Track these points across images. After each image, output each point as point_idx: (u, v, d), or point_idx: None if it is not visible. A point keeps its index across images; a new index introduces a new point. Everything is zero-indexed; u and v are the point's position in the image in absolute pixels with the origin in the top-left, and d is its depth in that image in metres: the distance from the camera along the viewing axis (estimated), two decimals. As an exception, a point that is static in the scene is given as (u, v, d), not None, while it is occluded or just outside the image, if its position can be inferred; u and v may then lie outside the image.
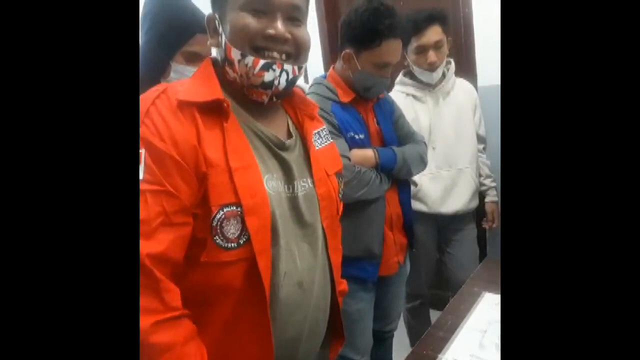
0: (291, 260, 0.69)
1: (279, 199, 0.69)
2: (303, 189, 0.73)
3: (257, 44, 0.66)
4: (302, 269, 0.70)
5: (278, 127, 0.75)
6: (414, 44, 1.44)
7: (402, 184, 1.27)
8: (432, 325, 1.05)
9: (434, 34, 1.43)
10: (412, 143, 1.28)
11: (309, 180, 0.75)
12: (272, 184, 0.68)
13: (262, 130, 0.71)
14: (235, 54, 0.67)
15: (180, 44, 0.97)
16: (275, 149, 0.71)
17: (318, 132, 0.82)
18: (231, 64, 0.68)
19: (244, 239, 0.64)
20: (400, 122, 1.31)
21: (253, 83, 0.68)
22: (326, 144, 0.83)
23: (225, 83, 0.70)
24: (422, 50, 1.45)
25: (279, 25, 0.66)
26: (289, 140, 0.74)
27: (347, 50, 1.14)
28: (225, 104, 0.66)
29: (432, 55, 1.44)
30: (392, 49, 1.11)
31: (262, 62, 0.66)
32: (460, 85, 1.59)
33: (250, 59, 0.66)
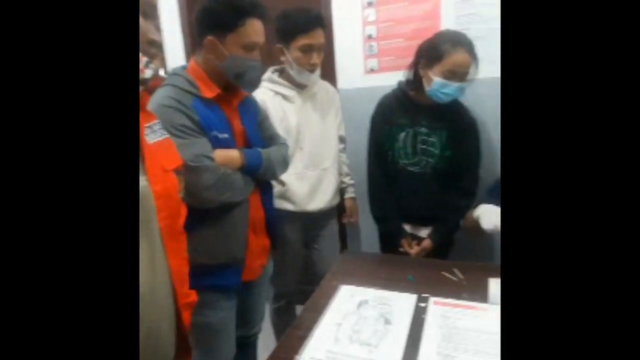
0: None
1: None
2: None
3: None
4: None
5: None
6: (300, 41, 1.41)
7: (264, 186, 1.24)
8: (291, 326, 1.05)
9: (320, 36, 1.44)
10: (276, 145, 1.27)
11: (143, 177, 0.68)
12: None
13: None
14: None
15: None
16: None
17: (150, 126, 0.75)
18: None
19: None
20: (265, 124, 1.29)
21: None
22: (160, 138, 0.77)
23: None
24: (308, 50, 1.43)
25: None
26: None
27: (210, 37, 1.06)
28: None
29: (315, 57, 1.45)
30: (257, 28, 1.07)
31: None
32: (325, 87, 1.64)
33: None
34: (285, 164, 1.27)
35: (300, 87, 1.53)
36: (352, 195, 1.77)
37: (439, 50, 1.33)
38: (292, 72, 1.48)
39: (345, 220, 1.79)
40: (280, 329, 1.75)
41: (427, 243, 1.50)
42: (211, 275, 1.10)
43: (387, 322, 1.01)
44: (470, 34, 1.38)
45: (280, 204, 1.52)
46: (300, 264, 1.69)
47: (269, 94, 1.50)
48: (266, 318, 1.51)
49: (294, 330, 1.02)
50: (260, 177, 1.17)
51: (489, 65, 1.39)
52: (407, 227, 1.57)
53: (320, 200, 1.58)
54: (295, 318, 1.70)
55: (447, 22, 1.60)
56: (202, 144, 1.04)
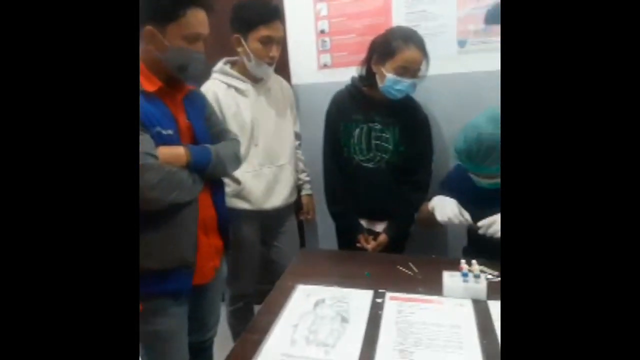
0: None
1: None
2: None
3: None
4: None
5: None
6: (261, 32, 1.36)
7: (215, 184, 1.19)
8: (246, 329, 1.01)
9: (280, 28, 1.40)
10: (226, 141, 1.22)
11: None
12: None
13: None
14: None
15: None
16: None
17: None
18: None
19: None
20: (213, 119, 1.23)
21: None
22: None
23: None
24: (268, 42, 1.38)
25: None
26: None
27: (148, 27, 1.00)
28: None
29: (275, 49, 1.40)
30: (200, 18, 1.02)
31: None
32: (279, 82, 1.60)
33: None
34: (236, 160, 1.22)
35: (254, 80, 1.48)
36: (309, 192, 1.75)
37: (391, 47, 1.33)
38: (250, 65, 1.43)
39: (302, 218, 1.77)
40: (238, 331, 1.70)
41: (383, 237, 1.51)
42: (160, 281, 1.04)
43: (344, 320, 1.00)
44: (420, 31, 1.39)
45: (235, 203, 1.48)
46: (259, 263, 1.65)
47: (222, 87, 1.44)
48: (223, 321, 1.46)
49: (248, 334, 0.99)
50: (210, 175, 1.12)
51: (438, 61, 1.42)
52: (364, 222, 1.58)
53: (277, 197, 1.55)
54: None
55: (398, 19, 1.62)
56: (143, 141, 0.97)
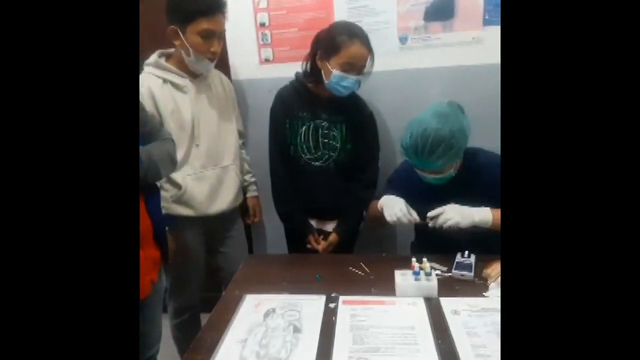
0: None
1: None
2: None
3: None
4: None
5: None
6: (201, 25, 1.25)
7: (148, 190, 1.08)
8: (189, 349, 0.93)
9: (222, 22, 1.30)
10: (159, 141, 1.11)
11: None
12: None
13: None
14: None
15: None
16: None
17: None
18: None
19: None
20: (142, 117, 1.12)
21: None
22: None
23: None
24: (209, 36, 1.28)
25: None
26: None
27: None
28: None
29: (217, 44, 1.30)
30: None
31: None
32: (219, 77, 1.50)
33: None
34: (172, 162, 1.12)
35: (193, 75, 1.37)
36: (255, 193, 1.67)
37: (335, 42, 1.29)
38: (188, 59, 1.32)
39: (249, 221, 1.69)
40: (184, 346, 1.59)
41: (333, 237, 1.48)
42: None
43: (297, 330, 0.95)
44: (362, 26, 1.37)
45: (176, 209, 1.37)
46: (203, 272, 1.55)
47: (157, 82, 1.32)
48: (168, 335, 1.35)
49: (191, 354, 0.91)
50: (142, 179, 1.01)
51: (381, 58, 1.40)
52: (314, 222, 1.54)
53: (222, 201, 1.46)
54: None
55: (340, 14, 1.58)
56: None
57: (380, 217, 1.28)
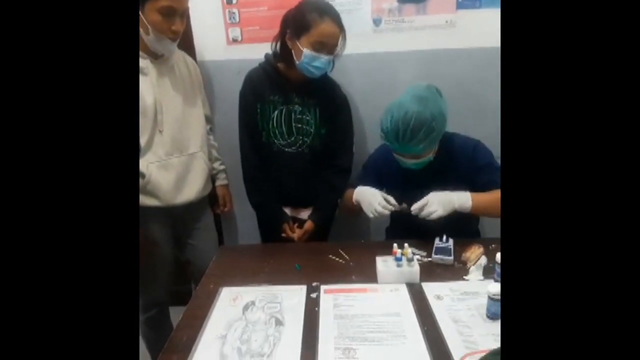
0: None
1: None
2: None
3: None
4: None
5: None
6: (161, 2, 1.15)
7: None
8: (163, 349, 0.86)
9: None
10: None
11: None
12: None
13: None
14: None
15: None
16: None
17: None
18: None
19: None
20: None
21: None
22: None
23: None
24: (170, 14, 1.17)
25: None
26: None
27: None
28: None
29: (179, 23, 1.20)
30: None
31: None
32: (183, 58, 1.40)
33: None
34: None
35: (154, 56, 1.27)
36: (224, 182, 1.60)
37: (305, 20, 1.23)
38: (148, 38, 1.21)
39: (218, 211, 1.62)
40: (154, 342, 1.52)
41: (309, 224, 1.45)
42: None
43: (279, 322, 0.91)
44: (335, 6, 1.31)
45: (141, 200, 1.28)
46: (172, 266, 1.47)
47: None
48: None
49: (167, 354, 0.85)
50: None
51: (354, 40, 1.36)
52: (288, 211, 1.49)
53: (190, 190, 1.38)
54: (171, 326, 1.50)
55: (312, -8, 1.52)
56: None
57: (355, 208, 1.26)
